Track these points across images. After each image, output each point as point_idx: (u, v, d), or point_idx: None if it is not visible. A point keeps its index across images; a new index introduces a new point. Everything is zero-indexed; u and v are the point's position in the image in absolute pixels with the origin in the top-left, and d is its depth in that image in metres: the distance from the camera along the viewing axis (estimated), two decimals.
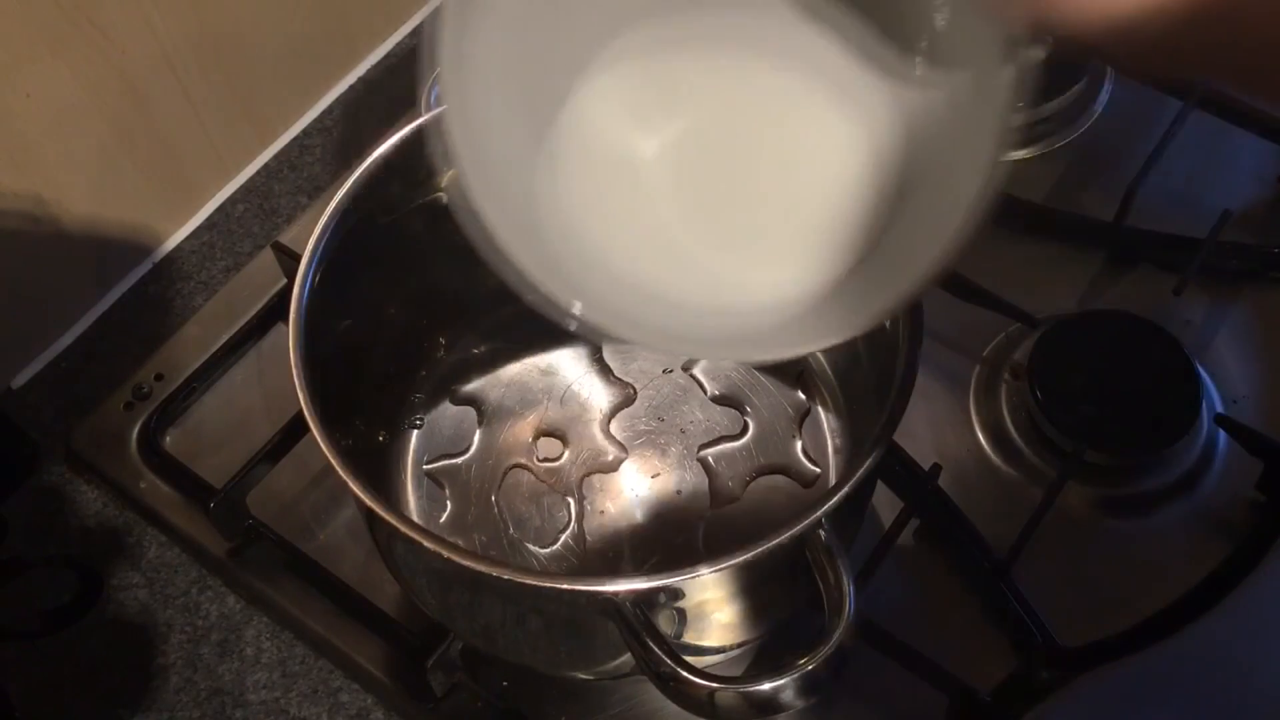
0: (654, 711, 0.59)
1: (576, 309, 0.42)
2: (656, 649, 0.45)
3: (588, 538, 0.61)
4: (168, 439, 0.67)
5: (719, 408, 0.65)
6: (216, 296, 0.73)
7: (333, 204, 0.55)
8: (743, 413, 0.65)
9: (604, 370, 0.67)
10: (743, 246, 0.46)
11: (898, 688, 0.59)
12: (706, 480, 0.62)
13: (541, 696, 0.59)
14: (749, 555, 0.46)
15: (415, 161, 0.58)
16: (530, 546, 0.61)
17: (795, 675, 0.44)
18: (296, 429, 0.62)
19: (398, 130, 0.57)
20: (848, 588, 0.46)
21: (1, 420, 0.67)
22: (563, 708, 0.59)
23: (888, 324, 0.55)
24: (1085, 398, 0.64)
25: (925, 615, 0.61)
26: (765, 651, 0.59)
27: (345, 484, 0.48)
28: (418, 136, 0.57)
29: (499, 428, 0.65)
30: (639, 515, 0.61)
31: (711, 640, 0.53)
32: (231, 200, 0.78)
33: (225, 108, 0.75)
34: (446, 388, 0.66)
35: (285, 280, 0.70)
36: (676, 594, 0.48)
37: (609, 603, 0.46)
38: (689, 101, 0.46)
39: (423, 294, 0.65)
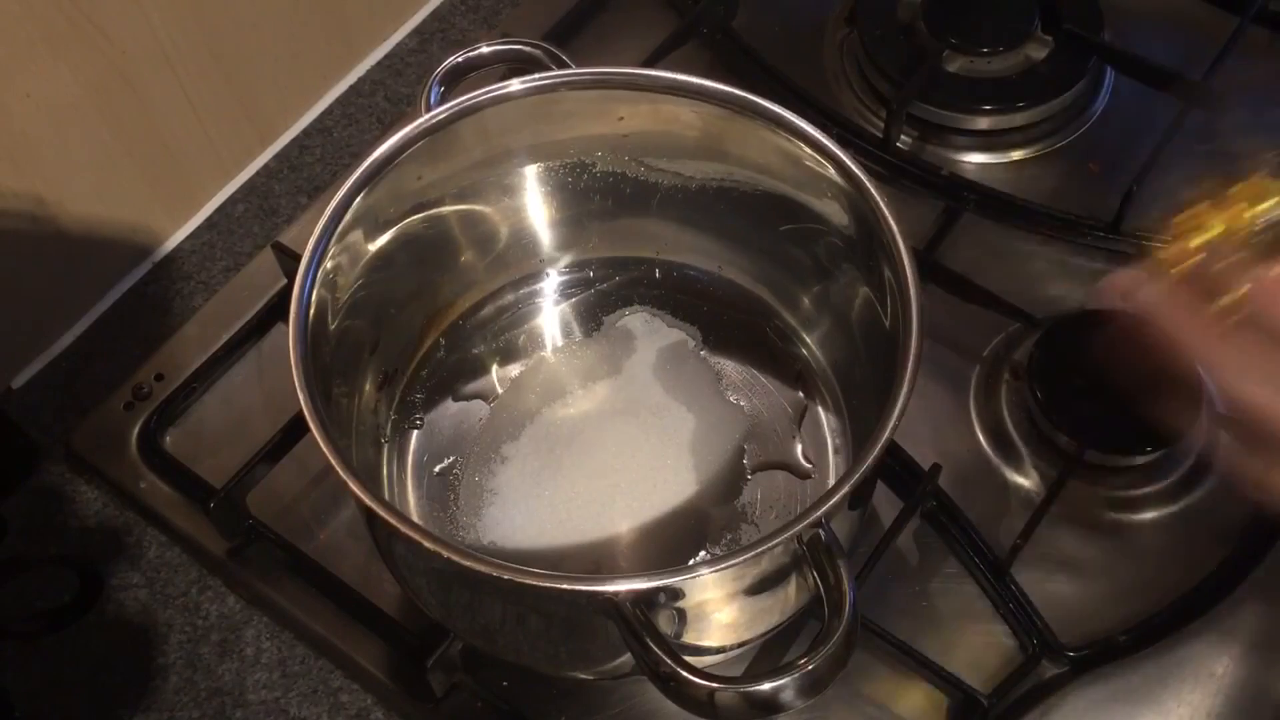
0: (654, 711, 0.59)
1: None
2: (656, 649, 0.45)
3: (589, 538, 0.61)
4: (168, 439, 0.67)
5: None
6: (216, 296, 0.73)
7: (333, 204, 0.55)
8: (742, 413, 0.65)
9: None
10: None
11: (898, 688, 0.59)
12: (707, 480, 0.62)
13: (541, 696, 0.59)
14: (749, 555, 0.46)
15: (415, 162, 0.58)
16: None
17: (795, 675, 0.44)
18: (296, 429, 0.62)
19: (398, 130, 0.57)
20: (848, 588, 0.46)
21: (1, 420, 0.67)
22: (563, 708, 0.59)
23: (887, 323, 0.55)
24: (1085, 398, 0.64)
25: (925, 615, 0.61)
26: (765, 651, 0.59)
27: (345, 484, 0.48)
28: (418, 136, 0.57)
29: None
30: (639, 515, 0.61)
31: (711, 640, 0.53)
32: (231, 200, 0.78)
33: (225, 108, 0.75)
34: (447, 387, 0.66)
35: (285, 280, 0.70)
36: (676, 594, 0.48)
37: (609, 603, 0.46)
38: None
39: (423, 294, 0.65)
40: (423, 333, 0.66)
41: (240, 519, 0.63)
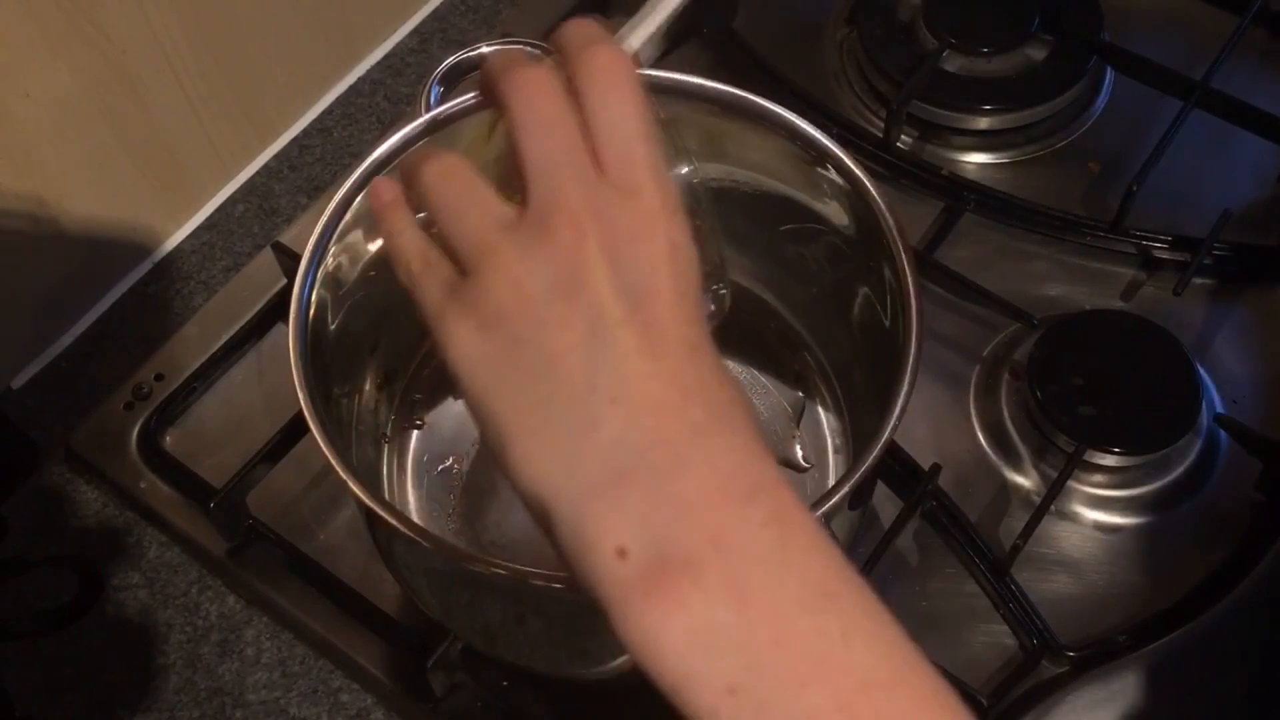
0: (653, 712, 0.59)
1: None
2: None
3: None
4: (168, 439, 0.67)
5: None
6: (216, 296, 0.73)
7: (333, 204, 0.55)
8: None
9: None
10: None
11: None
12: None
13: (541, 696, 0.59)
14: None
15: None
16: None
17: None
18: (296, 429, 0.62)
19: (398, 130, 0.57)
20: None
21: (1, 420, 0.67)
22: (562, 708, 0.59)
23: (887, 323, 0.55)
24: (1085, 398, 0.64)
25: (925, 615, 0.61)
26: None
27: (345, 484, 0.48)
28: (418, 136, 0.57)
29: None
30: None
31: None
32: (231, 200, 0.78)
33: (225, 108, 0.75)
34: (447, 387, 0.66)
35: (285, 280, 0.70)
36: None
37: None
38: None
39: None
40: (423, 333, 0.66)
41: (240, 519, 0.63)
